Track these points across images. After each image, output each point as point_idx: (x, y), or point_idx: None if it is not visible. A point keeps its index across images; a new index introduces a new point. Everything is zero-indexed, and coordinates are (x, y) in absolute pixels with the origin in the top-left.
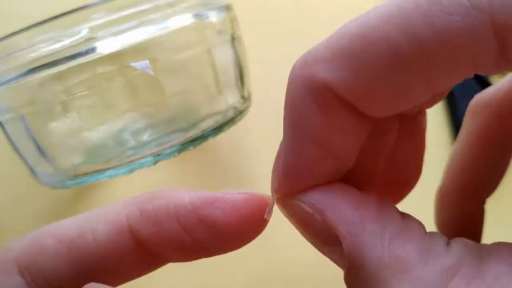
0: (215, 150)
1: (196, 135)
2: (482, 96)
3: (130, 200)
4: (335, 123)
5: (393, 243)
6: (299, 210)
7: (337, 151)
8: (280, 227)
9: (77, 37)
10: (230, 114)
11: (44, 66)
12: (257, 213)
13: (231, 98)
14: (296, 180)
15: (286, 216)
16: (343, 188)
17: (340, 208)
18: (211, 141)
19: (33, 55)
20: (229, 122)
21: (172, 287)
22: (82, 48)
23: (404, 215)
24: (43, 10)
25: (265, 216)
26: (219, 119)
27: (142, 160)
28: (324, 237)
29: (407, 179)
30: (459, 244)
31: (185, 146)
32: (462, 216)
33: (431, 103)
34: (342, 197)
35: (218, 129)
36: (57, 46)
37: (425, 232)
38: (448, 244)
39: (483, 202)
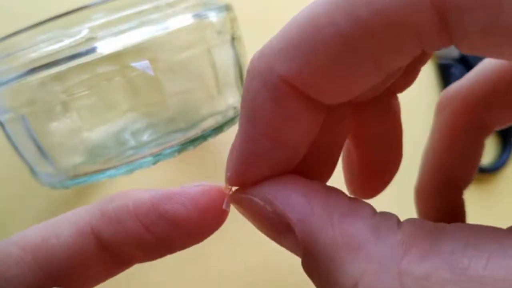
0: (215, 150)
1: (196, 135)
2: (448, 91)
3: (93, 204)
4: (288, 115)
5: (343, 222)
6: (251, 203)
7: (289, 142)
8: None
9: (77, 37)
10: (230, 114)
11: (45, 66)
12: (216, 205)
13: (231, 98)
14: (249, 171)
15: (240, 212)
16: (291, 178)
17: (289, 196)
18: (211, 141)
19: (34, 55)
20: (229, 122)
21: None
22: (83, 48)
23: (353, 199)
24: (43, 10)
25: (224, 207)
26: (219, 119)
27: (142, 160)
28: (278, 228)
29: (388, 165)
30: (411, 221)
31: (185, 146)
32: (442, 210)
33: (402, 87)
34: (290, 187)
35: (218, 129)
36: (57, 46)
37: (375, 212)
38: (399, 222)
39: (460, 193)
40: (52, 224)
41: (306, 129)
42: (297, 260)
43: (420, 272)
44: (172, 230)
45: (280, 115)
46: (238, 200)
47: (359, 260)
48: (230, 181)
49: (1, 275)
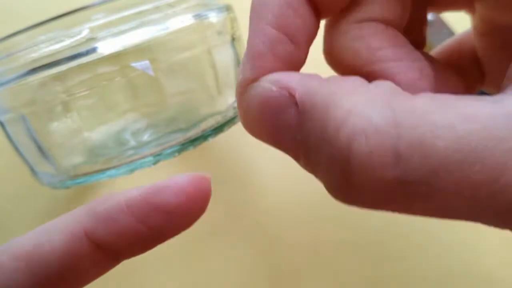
0: (215, 150)
1: (196, 135)
2: None
3: (83, 207)
4: (292, 6)
5: (337, 81)
6: (258, 90)
7: (293, 35)
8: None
9: (77, 37)
10: (230, 114)
11: (45, 66)
12: (203, 191)
13: (231, 98)
14: (259, 60)
15: (244, 109)
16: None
17: (293, 75)
18: (211, 141)
19: (34, 55)
20: (229, 122)
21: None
22: (83, 49)
23: None
24: (44, 11)
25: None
26: (219, 119)
27: (143, 160)
28: (280, 107)
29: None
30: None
31: (185, 146)
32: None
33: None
34: (294, 74)
35: (218, 129)
36: (58, 46)
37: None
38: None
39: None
40: (44, 230)
41: (307, 26)
42: (297, 260)
43: (410, 104)
44: (165, 221)
45: (285, 10)
46: (248, 89)
47: (352, 95)
48: (246, 73)
49: None
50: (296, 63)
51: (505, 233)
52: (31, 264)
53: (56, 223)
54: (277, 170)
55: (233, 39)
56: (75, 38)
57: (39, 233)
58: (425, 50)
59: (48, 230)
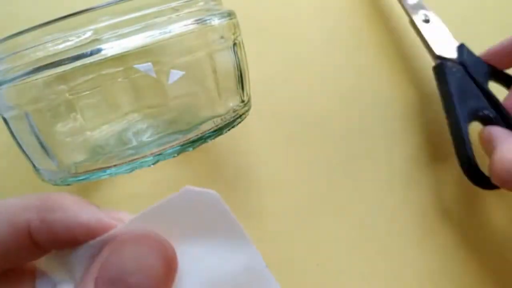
0: (214, 150)
1: (196, 137)
2: None
3: (32, 202)
4: None
5: None
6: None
7: None
8: None
9: (82, 38)
10: (230, 117)
11: (50, 65)
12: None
13: (231, 102)
14: None
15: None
16: None
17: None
18: (210, 142)
19: (39, 54)
20: (228, 124)
21: None
22: (87, 49)
23: None
24: (51, 11)
25: None
26: (219, 122)
27: (143, 160)
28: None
29: None
30: None
31: (185, 147)
32: None
33: None
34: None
35: (218, 131)
36: (63, 46)
37: None
38: None
39: None
40: None
41: None
42: (297, 259)
43: None
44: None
45: None
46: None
47: None
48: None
49: None
50: None
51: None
52: None
53: (5, 210)
54: (275, 172)
55: (234, 44)
56: (80, 39)
57: None
58: None
59: None
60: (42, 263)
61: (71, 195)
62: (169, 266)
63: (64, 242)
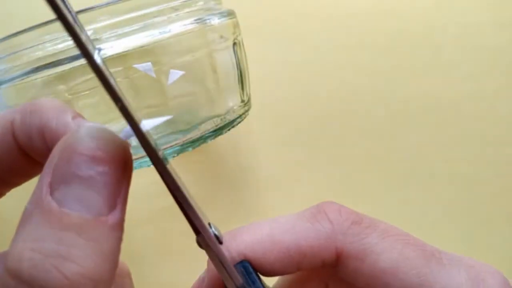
0: (214, 150)
1: (196, 137)
2: None
3: (20, 106)
4: None
5: None
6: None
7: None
8: None
9: None
10: (230, 117)
11: (49, 65)
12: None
13: (231, 102)
14: None
15: None
16: None
17: None
18: (210, 142)
19: (38, 54)
20: (228, 124)
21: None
22: None
23: None
24: (50, 11)
25: None
26: (218, 121)
27: (142, 160)
28: None
29: None
30: None
31: (184, 147)
32: None
33: None
34: None
35: (218, 131)
36: (62, 46)
37: None
38: None
39: None
40: None
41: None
42: None
43: None
44: None
45: None
46: None
47: None
48: None
49: None
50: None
51: None
52: None
53: None
54: (275, 172)
55: (234, 44)
56: None
57: None
58: None
59: None
60: None
61: (56, 100)
62: (125, 163)
63: (39, 148)
